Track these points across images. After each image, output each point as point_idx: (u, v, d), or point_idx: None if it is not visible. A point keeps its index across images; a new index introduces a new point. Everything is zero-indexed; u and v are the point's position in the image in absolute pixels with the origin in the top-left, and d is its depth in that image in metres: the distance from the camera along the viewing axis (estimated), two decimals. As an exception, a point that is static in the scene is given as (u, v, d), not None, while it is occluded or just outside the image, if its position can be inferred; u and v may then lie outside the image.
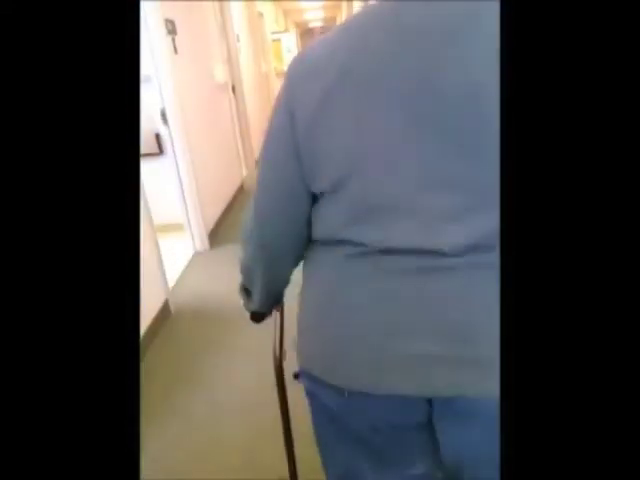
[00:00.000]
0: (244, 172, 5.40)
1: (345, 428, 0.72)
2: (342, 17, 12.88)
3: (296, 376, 0.77)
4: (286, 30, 12.86)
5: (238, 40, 5.62)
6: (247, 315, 1.00)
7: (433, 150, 0.59)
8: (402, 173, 0.60)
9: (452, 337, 0.62)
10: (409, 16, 0.59)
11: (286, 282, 0.87)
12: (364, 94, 0.59)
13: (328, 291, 0.69)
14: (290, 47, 12.57)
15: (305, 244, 0.75)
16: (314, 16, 15.29)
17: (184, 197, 3.30)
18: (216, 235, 3.66)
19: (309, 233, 0.72)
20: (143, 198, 2.45)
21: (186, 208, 3.33)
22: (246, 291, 0.92)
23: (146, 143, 3.56)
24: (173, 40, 3.18)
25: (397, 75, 0.59)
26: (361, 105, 0.60)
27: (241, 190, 4.87)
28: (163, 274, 2.63)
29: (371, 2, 0.64)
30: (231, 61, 5.33)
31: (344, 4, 10.84)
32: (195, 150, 3.38)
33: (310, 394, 0.76)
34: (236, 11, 5.71)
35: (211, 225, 3.63)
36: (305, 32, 16.93)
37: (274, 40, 11.24)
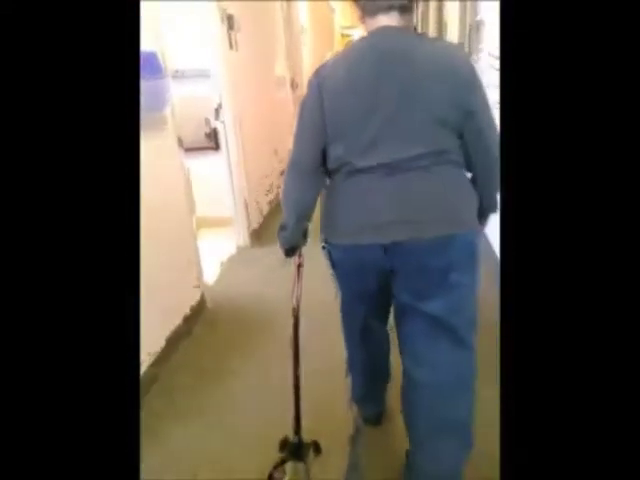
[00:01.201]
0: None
1: (345, 269, 1.32)
2: (418, 12, 12.58)
3: (323, 247, 1.31)
4: (358, 26, 12.72)
5: (303, 32, 5.60)
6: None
7: (389, 114, 1.11)
8: (373, 130, 1.12)
9: (398, 210, 1.14)
10: (377, 43, 1.14)
11: (312, 207, 1.32)
12: (356, 85, 1.13)
13: (338, 195, 1.22)
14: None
15: (319, 176, 1.26)
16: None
17: (233, 192, 3.31)
18: (262, 233, 3.66)
19: (321, 164, 1.24)
20: (188, 193, 2.47)
21: (234, 203, 3.34)
22: (283, 229, 1.37)
23: (201, 138, 3.61)
24: (233, 35, 3.19)
25: (372, 80, 1.11)
26: (354, 90, 1.13)
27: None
28: (200, 269, 2.65)
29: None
30: (293, 56, 5.30)
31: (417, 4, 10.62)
32: (248, 146, 3.38)
33: (330, 255, 1.31)
34: (303, 5, 5.68)
35: (258, 222, 3.63)
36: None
37: (345, 35, 11.17)
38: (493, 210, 1.34)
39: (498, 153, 1.13)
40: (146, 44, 2.01)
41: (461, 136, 1.15)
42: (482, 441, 1.25)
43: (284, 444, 1.55)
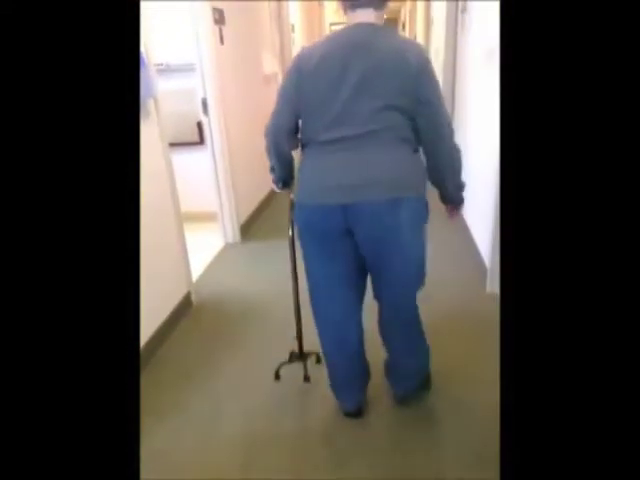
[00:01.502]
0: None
1: (311, 234, 1.50)
2: (406, 9, 12.62)
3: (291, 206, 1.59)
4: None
5: (293, 30, 5.58)
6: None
7: (349, 97, 1.33)
8: (335, 111, 1.35)
9: (353, 176, 1.36)
10: (348, 36, 1.37)
11: (288, 157, 1.61)
12: (326, 71, 1.34)
13: (307, 164, 1.46)
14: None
15: (292, 138, 1.52)
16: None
17: (219, 187, 3.30)
18: (249, 228, 3.65)
19: (294, 131, 1.50)
20: (172, 186, 2.45)
21: (220, 198, 3.33)
22: (272, 170, 1.68)
23: (187, 132, 3.59)
24: (220, 30, 3.17)
25: (339, 69, 1.33)
26: (324, 75, 1.35)
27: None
28: (187, 265, 2.63)
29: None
30: (283, 52, 5.29)
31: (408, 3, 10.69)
32: (233, 141, 3.37)
33: (296, 220, 1.53)
34: (293, 2, 5.66)
35: (244, 217, 3.62)
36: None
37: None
38: (457, 195, 1.59)
39: (445, 132, 1.40)
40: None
41: (413, 119, 1.37)
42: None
43: (291, 354, 2.01)
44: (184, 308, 2.54)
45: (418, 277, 1.58)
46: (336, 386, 1.77)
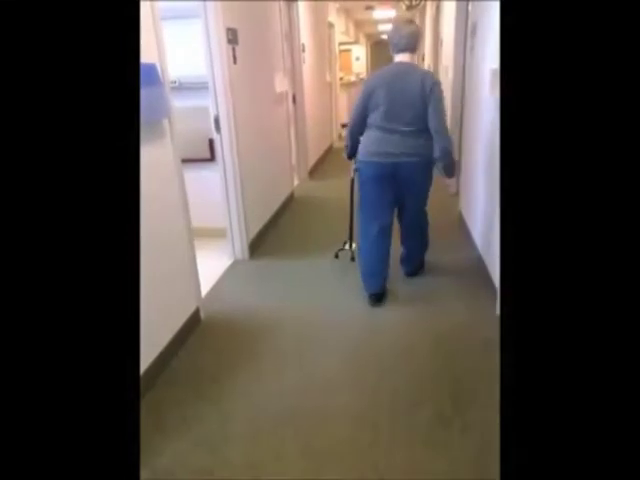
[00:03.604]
0: (295, 182, 5.40)
1: (369, 178, 2.73)
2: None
3: (356, 170, 2.85)
4: (356, 41, 12.89)
5: (303, 50, 5.66)
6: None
7: (394, 108, 2.56)
8: (386, 111, 2.58)
9: (398, 149, 2.61)
10: (394, 69, 2.64)
11: (358, 140, 2.77)
12: (380, 90, 2.56)
13: (367, 139, 2.71)
14: (359, 56, 12.61)
15: (362, 128, 2.72)
16: (386, 28, 15.22)
17: (228, 204, 3.32)
18: (258, 245, 3.66)
19: (364, 125, 2.71)
20: (184, 204, 2.47)
21: (229, 215, 3.35)
22: (347, 147, 2.86)
23: (199, 148, 3.63)
24: (233, 49, 3.22)
25: (388, 87, 2.56)
26: (380, 93, 2.56)
27: (291, 200, 4.86)
28: (197, 281, 2.64)
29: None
30: (294, 71, 5.36)
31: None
32: (244, 159, 3.40)
33: (359, 170, 2.77)
34: (303, 21, 5.75)
35: (253, 234, 3.63)
36: (376, 43, 16.86)
37: (344, 50, 11.29)
38: (444, 160, 2.58)
39: (443, 126, 2.51)
40: (146, 56, 2.03)
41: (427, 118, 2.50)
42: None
43: (337, 253, 3.41)
44: (193, 324, 2.54)
45: (425, 199, 2.84)
46: (366, 275, 2.82)
